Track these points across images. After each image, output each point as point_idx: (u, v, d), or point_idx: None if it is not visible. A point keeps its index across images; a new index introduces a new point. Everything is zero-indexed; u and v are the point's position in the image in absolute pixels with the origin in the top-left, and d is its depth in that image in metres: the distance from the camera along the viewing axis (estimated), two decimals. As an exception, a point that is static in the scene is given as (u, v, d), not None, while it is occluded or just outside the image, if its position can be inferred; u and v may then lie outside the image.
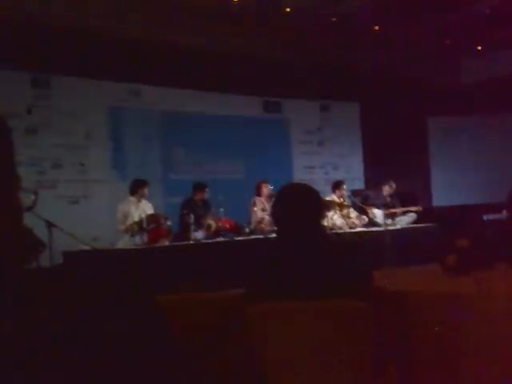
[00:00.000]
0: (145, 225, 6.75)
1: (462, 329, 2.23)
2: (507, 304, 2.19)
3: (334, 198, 8.67)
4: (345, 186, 8.77)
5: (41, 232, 5.41)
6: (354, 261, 2.30)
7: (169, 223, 7.12)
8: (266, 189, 8.05)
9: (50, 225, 5.38)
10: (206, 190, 7.68)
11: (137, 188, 7.12)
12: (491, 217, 8.24)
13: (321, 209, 2.37)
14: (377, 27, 9.57)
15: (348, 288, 2.19)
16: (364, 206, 8.81)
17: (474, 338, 2.23)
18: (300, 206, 2.32)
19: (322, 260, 2.27)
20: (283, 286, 2.25)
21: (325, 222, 8.31)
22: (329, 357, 2.12)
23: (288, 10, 8.68)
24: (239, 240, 7.26)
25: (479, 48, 10.63)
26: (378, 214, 8.71)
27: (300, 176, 9.80)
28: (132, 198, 7.12)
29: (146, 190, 7.16)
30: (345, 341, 2.13)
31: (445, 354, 2.33)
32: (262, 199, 8.07)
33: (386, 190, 9.05)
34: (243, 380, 2.48)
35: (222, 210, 7.39)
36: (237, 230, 7.68)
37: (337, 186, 8.78)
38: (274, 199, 2.47)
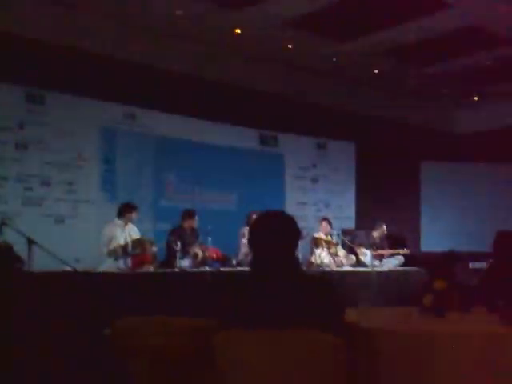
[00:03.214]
0: (130, 249, 6.67)
1: (432, 368, 2.19)
2: (476, 345, 2.16)
3: (320, 235, 8.67)
4: (324, 224, 8.76)
5: (22, 249, 5.32)
6: (326, 294, 2.27)
7: (155, 249, 7.00)
8: None
9: (30, 242, 5.28)
10: (196, 217, 7.63)
11: (124, 212, 7.05)
12: (478, 265, 8.22)
13: (295, 238, 2.34)
14: (376, 70, 9.69)
15: (319, 320, 2.16)
16: (353, 246, 8.80)
17: (442, 376, 2.19)
18: (273, 235, 2.29)
19: (294, 290, 2.24)
20: (255, 314, 2.22)
21: (313, 259, 8.27)
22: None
23: (290, 46, 8.78)
24: (224, 271, 7.16)
25: (475, 99, 10.81)
26: (366, 254, 8.70)
27: (292, 211, 9.63)
28: (118, 221, 7.04)
29: (133, 215, 7.09)
30: (313, 372, 2.09)
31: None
32: (252, 230, 8.01)
33: (377, 231, 9.08)
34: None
35: (210, 239, 7.31)
36: (224, 260, 7.60)
37: (321, 221, 8.85)
38: (249, 227, 2.45)
